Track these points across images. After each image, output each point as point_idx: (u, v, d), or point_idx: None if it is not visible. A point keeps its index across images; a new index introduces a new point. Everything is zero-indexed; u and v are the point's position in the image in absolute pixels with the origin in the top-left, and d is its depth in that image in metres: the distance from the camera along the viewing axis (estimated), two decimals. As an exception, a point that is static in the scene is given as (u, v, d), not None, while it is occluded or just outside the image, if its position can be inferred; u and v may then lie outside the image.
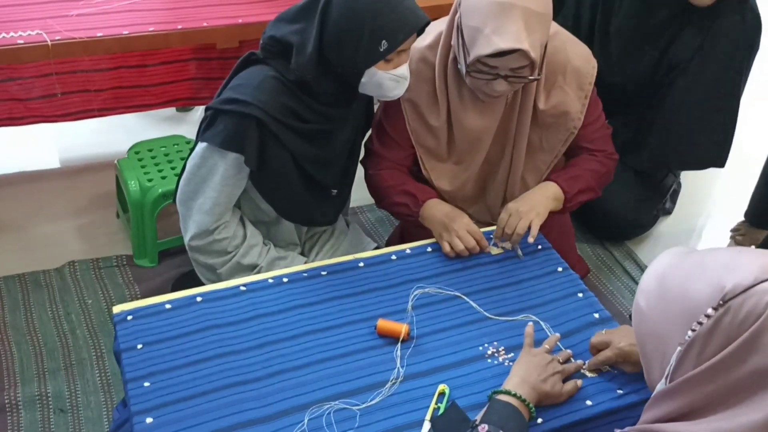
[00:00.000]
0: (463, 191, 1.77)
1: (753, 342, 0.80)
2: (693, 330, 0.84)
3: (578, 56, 1.64)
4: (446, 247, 1.56)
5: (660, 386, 0.90)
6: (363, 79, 1.50)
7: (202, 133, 1.53)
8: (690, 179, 2.62)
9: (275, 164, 1.54)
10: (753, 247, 0.90)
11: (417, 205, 1.65)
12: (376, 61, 1.46)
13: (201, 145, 1.53)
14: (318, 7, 1.45)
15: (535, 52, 1.43)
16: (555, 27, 1.60)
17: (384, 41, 1.43)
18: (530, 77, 1.48)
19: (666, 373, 0.88)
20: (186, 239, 1.60)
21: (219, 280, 1.61)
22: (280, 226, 1.70)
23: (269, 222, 1.69)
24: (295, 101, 1.51)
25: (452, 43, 1.55)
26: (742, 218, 2.49)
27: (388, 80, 1.50)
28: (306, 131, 1.54)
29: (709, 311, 0.82)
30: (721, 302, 0.81)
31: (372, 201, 2.40)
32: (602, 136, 1.75)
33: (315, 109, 1.54)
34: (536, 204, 1.60)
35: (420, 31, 1.50)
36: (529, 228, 1.56)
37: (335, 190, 1.69)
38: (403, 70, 1.51)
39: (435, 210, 1.63)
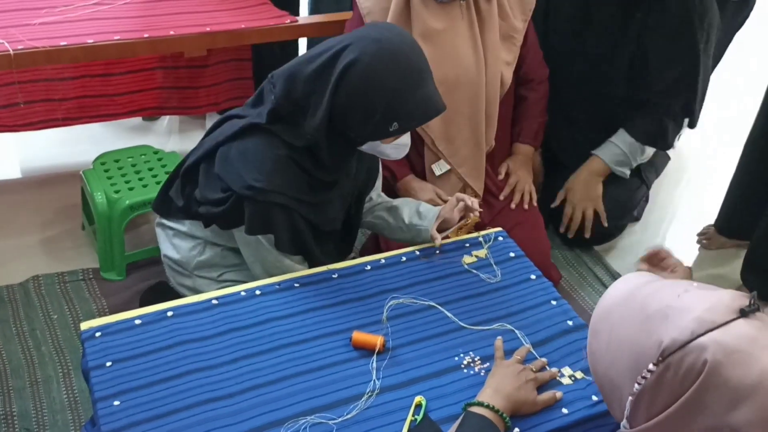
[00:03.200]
0: (456, 139, 1.96)
1: (696, 402, 0.79)
2: (639, 383, 0.83)
3: None
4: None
5: (623, 425, 0.90)
6: (364, 147, 1.50)
7: (226, 210, 1.48)
8: (656, 185, 2.66)
9: (299, 244, 1.54)
10: (695, 283, 0.89)
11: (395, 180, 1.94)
12: (382, 138, 1.45)
13: (238, 233, 1.53)
14: (334, 70, 1.38)
15: None
16: None
17: (395, 123, 1.41)
18: None
19: (625, 416, 0.88)
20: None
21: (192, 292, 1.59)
22: None
23: None
24: (304, 176, 1.48)
25: None
26: (707, 223, 2.54)
27: (390, 149, 1.50)
28: (310, 201, 1.52)
29: (651, 367, 0.82)
30: (660, 359, 0.81)
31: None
32: (540, 60, 2.12)
33: (321, 177, 1.51)
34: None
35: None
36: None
37: (331, 245, 1.65)
38: (405, 138, 1.50)
39: (408, 187, 1.96)
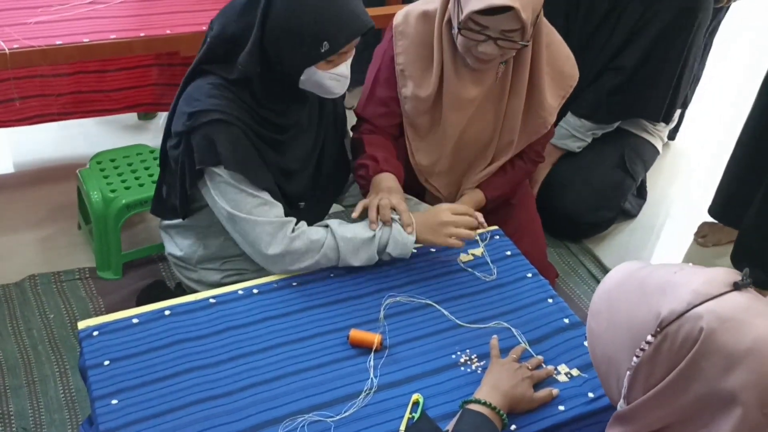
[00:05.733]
0: (438, 166, 1.80)
1: (692, 369, 0.82)
2: (637, 356, 0.86)
3: (566, 57, 1.72)
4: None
5: (620, 405, 0.91)
6: (302, 77, 1.47)
7: (181, 158, 1.48)
8: (650, 182, 2.67)
9: (250, 161, 1.47)
10: (691, 264, 0.92)
11: (376, 171, 1.63)
12: (316, 61, 1.44)
13: (215, 208, 1.50)
14: (261, 1, 1.39)
15: (527, 14, 1.44)
16: (550, 26, 1.67)
17: (326, 43, 1.41)
18: (520, 42, 1.50)
19: (623, 394, 0.90)
20: (267, 251, 1.47)
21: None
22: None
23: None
24: (244, 107, 1.47)
25: (449, 6, 1.58)
26: (701, 220, 2.55)
27: (329, 79, 1.48)
28: (263, 136, 1.51)
29: (649, 338, 0.84)
30: (658, 329, 0.83)
31: (337, 209, 2.43)
32: (546, 142, 1.87)
33: (263, 116, 1.50)
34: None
35: (364, 35, 1.47)
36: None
37: (302, 203, 1.65)
38: (343, 68, 1.48)
39: (382, 182, 1.61)
